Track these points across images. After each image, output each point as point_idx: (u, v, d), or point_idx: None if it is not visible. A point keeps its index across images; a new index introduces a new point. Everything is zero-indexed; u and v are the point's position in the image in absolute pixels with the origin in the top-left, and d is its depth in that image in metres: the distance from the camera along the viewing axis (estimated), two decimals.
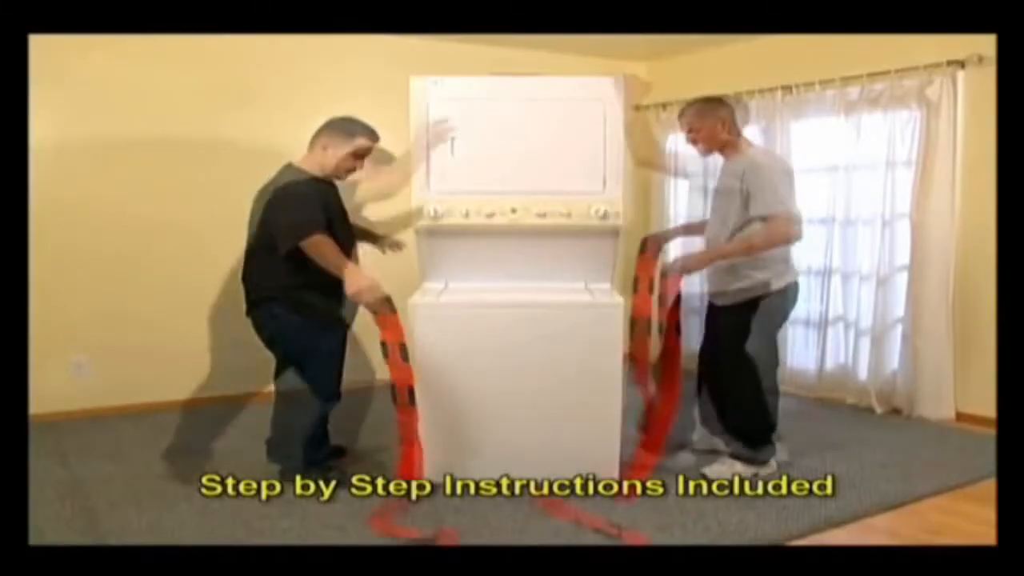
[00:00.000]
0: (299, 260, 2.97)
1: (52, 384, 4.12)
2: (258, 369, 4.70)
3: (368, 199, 3.14)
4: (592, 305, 3.16)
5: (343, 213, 3.22)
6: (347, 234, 3.19)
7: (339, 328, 3.20)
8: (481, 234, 3.19)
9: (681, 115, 3.37)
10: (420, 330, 3.08)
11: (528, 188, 3.13)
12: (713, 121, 3.25)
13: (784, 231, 3.11)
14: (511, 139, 3.15)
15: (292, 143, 4.89)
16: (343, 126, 3.15)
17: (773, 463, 3.43)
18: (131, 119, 4.34)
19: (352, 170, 3.18)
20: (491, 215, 3.13)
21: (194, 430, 3.99)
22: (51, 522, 2.85)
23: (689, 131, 3.31)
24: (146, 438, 3.91)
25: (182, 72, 4.46)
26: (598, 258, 3.30)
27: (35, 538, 2.61)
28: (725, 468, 3.32)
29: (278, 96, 4.68)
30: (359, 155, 3.15)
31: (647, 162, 3.19)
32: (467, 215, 3.13)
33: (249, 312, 3.19)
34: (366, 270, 3.01)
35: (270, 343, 3.21)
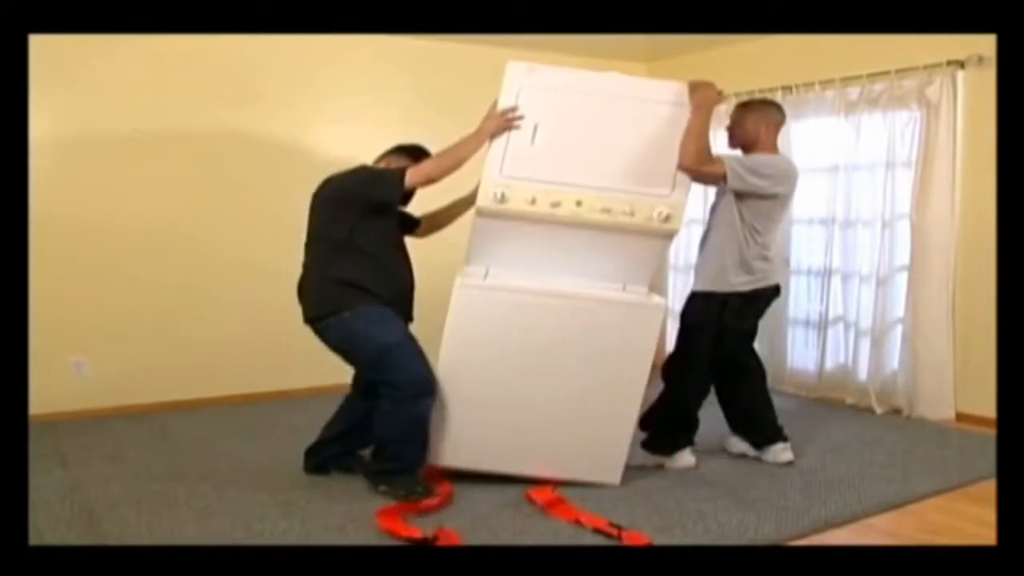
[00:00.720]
0: (364, 254, 3.06)
1: (52, 384, 4.11)
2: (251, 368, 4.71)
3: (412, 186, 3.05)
4: (631, 304, 3.12)
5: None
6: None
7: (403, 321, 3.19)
8: (530, 223, 3.14)
9: (743, 102, 3.54)
10: (455, 311, 3.06)
11: (596, 183, 3.09)
12: (760, 119, 3.38)
13: (711, 171, 3.12)
14: (587, 133, 3.10)
15: (293, 144, 4.91)
16: (414, 151, 3.20)
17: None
18: (130, 120, 4.33)
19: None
20: (556, 205, 3.07)
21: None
22: (51, 522, 2.85)
23: (736, 119, 3.43)
24: (146, 438, 3.91)
25: (182, 72, 4.46)
26: (642, 260, 3.26)
27: (35, 538, 2.62)
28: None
29: (279, 97, 4.68)
30: None
31: (697, 171, 3.11)
32: (533, 202, 3.07)
33: (318, 323, 3.13)
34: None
35: (343, 353, 3.16)
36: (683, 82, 3.10)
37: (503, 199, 3.03)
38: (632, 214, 3.07)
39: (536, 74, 3.04)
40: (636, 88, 3.15)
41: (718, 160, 3.14)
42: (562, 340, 3.10)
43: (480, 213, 3.09)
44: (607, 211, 3.07)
